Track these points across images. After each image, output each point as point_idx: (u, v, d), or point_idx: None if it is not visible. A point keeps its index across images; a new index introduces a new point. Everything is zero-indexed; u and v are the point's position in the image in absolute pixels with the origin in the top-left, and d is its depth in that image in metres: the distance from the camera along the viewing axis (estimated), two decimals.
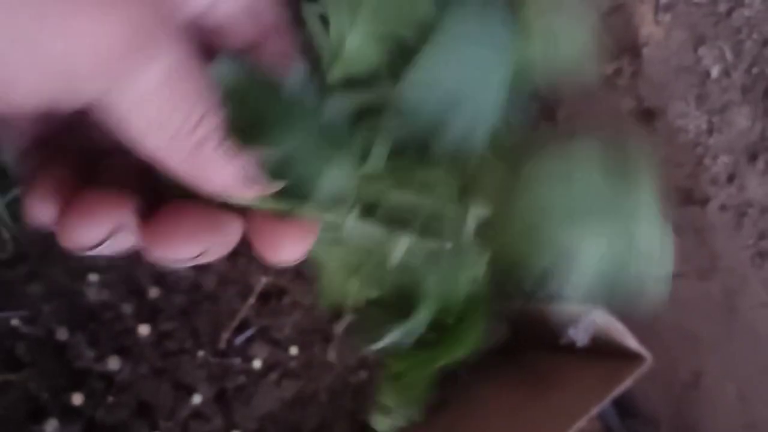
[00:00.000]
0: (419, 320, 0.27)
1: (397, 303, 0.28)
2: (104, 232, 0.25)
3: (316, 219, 0.26)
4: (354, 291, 0.28)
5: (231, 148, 0.25)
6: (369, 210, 0.26)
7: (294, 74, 0.24)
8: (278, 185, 0.25)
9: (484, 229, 0.24)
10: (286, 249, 0.26)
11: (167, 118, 0.23)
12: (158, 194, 0.26)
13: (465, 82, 0.24)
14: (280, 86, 0.24)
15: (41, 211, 0.25)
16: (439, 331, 0.28)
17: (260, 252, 0.27)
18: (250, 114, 0.24)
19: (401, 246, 0.26)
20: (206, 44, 0.27)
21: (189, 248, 0.26)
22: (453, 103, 0.23)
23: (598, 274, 0.21)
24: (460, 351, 0.28)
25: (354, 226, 0.26)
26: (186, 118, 0.23)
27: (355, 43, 0.21)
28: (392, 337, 0.27)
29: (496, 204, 0.24)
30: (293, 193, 0.25)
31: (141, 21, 0.21)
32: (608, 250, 0.21)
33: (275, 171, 0.24)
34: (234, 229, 0.26)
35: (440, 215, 0.26)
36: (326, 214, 0.26)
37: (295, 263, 0.27)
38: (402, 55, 0.25)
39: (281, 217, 0.26)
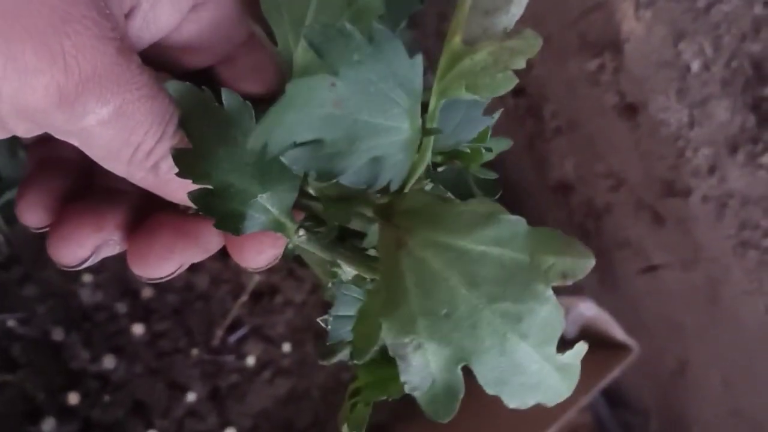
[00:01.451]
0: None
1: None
2: (88, 251, 0.26)
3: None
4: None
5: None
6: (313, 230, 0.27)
7: (231, 101, 0.24)
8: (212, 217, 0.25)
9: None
10: (261, 254, 0.27)
11: (118, 150, 0.23)
12: (150, 201, 0.26)
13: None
14: (224, 113, 0.24)
15: (29, 217, 0.27)
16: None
17: (236, 257, 0.27)
18: (194, 141, 0.24)
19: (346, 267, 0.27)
20: (175, 62, 0.27)
21: (165, 267, 0.26)
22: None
23: None
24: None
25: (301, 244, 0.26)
26: (138, 148, 0.23)
27: (301, 58, 0.22)
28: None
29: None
30: (225, 224, 0.25)
31: (85, 69, 0.21)
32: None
33: (208, 201, 0.24)
34: (213, 239, 0.26)
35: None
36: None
37: (268, 267, 0.28)
38: None
39: None
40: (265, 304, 0.93)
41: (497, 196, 0.29)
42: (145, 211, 0.27)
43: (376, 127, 0.23)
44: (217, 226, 0.25)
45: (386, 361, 0.26)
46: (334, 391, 0.95)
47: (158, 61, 0.26)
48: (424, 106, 0.24)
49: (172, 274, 0.27)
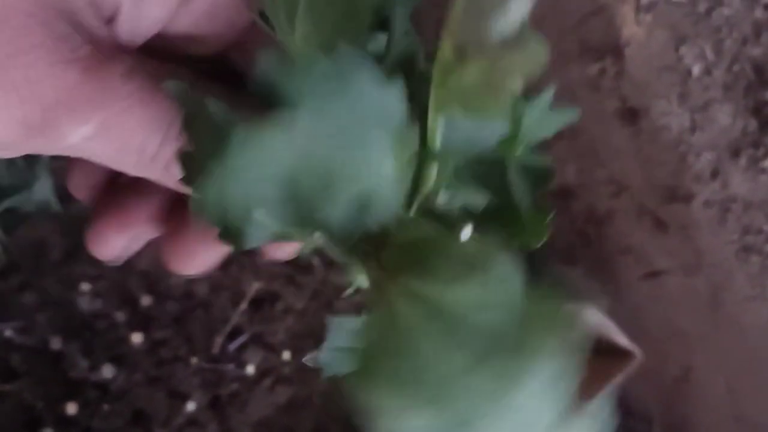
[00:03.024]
0: None
1: None
2: (119, 249, 0.26)
3: None
4: None
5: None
6: None
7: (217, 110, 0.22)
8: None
9: None
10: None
11: (119, 158, 0.23)
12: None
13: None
14: (222, 116, 0.21)
15: (77, 191, 0.28)
16: None
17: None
18: (196, 145, 0.21)
19: None
20: (181, 51, 0.26)
21: (199, 261, 0.26)
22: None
23: None
24: None
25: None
26: (141, 153, 0.23)
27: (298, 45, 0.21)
28: None
29: None
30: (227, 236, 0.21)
31: (46, 97, 0.21)
32: None
33: (210, 213, 0.21)
34: None
35: None
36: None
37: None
38: None
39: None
40: (266, 311, 0.92)
41: (547, 188, 0.25)
42: (178, 200, 0.27)
43: (354, 164, 0.19)
44: (220, 238, 0.21)
45: None
46: (335, 399, 0.95)
47: (165, 50, 0.26)
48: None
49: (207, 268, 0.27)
